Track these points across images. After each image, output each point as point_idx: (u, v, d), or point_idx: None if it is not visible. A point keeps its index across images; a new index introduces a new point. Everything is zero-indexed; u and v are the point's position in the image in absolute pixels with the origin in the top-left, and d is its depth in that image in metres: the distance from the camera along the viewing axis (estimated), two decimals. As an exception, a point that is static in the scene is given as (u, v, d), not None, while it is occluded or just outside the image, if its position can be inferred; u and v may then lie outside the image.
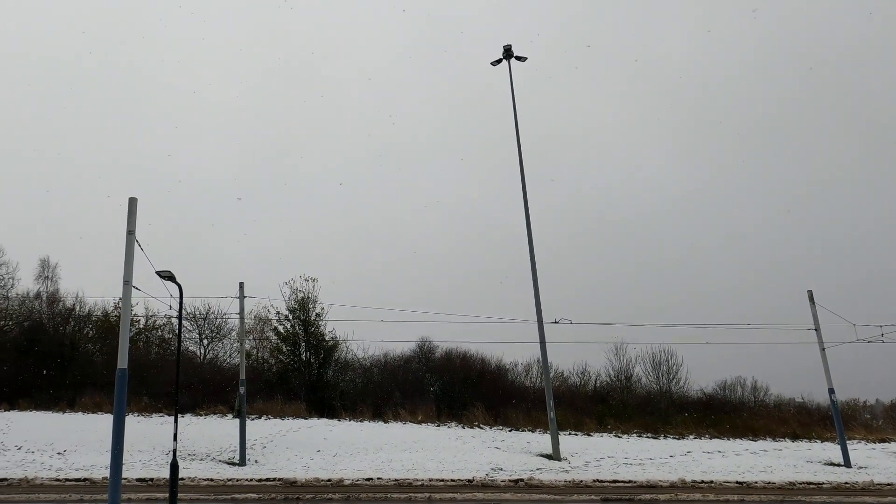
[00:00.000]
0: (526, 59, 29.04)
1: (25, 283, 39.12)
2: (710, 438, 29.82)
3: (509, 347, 42.38)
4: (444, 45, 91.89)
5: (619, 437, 29.40)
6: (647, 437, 29.81)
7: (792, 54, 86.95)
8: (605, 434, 30.10)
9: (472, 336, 43.00)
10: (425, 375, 37.49)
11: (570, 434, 29.26)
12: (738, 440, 29.47)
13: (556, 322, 26.53)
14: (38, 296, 37.96)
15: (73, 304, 36.83)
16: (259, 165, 79.57)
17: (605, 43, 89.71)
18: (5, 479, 18.51)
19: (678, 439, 29.31)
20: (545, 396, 25.17)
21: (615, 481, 20.15)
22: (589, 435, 29.78)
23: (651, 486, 19.53)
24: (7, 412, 27.82)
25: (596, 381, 40.50)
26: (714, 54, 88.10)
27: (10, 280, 37.70)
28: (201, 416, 29.74)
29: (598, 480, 20.22)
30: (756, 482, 20.63)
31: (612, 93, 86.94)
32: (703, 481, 20.41)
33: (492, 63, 29.22)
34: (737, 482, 20.56)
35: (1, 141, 71.25)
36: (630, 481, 20.16)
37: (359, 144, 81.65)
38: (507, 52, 28.85)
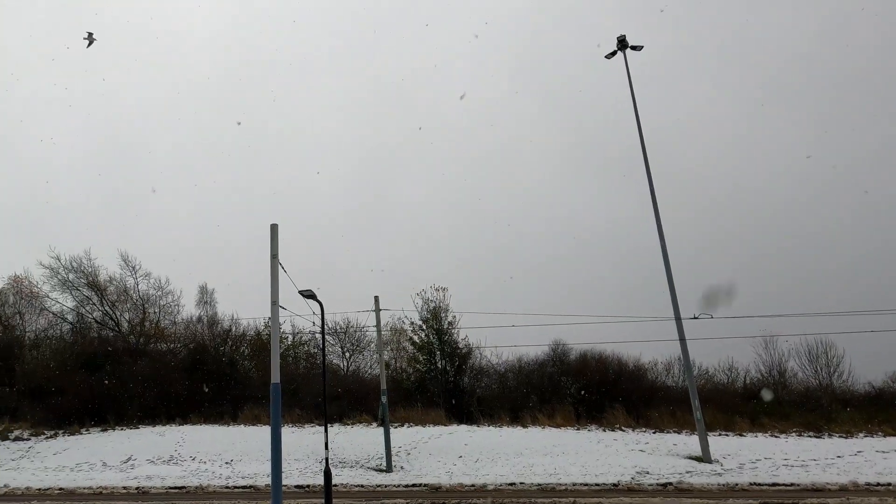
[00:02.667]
0: (642, 47, 28.08)
1: (188, 308, 43.29)
2: (884, 436, 26.98)
3: (647, 346, 40.86)
4: (534, 47, 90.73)
5: (776, 436, 27.39)
6: (809, 436, 27.54)
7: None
8: (759, 434, 28.16)
9: (607, 336, 41.82)
10: (561, 378, 37.00)
11: (719, 435, 27.71)
12: (918, 437, 26.48)
13: (695, 318, 25.36)
14: (199, 320, 41.73)
15: (230, 326, 40.12)
16: (372, 187, 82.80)
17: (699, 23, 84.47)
18: (184, 487, 20.52)
19: (845, 438, 26.83)
20: (689, 396, 24.05)
21: (775, 484, 18.83)
22: (741, 435, 28.02)
23: (817, 490, 18.05)
24: (181, 426, 30.86)
25: (745, 378, 38.01)
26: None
27: (176, 307, 41.84)
28: (348, 425, 31.27)
29: (755, 484, 18.99)
30: (944, 484, 18.45)
31: (724, 75, 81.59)
32: (879, 484, 18.55)
33: (606, 56, 28.48)
34: (920, 484, 18.51)
35: (153, 176, 79.20)
36: (792, 484, 18.76)
37: (476, 151, 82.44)
38: (622, 43, 28.01)
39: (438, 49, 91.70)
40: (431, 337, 38.44)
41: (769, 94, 78.30)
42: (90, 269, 40.13)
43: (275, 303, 14.22)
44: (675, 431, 28.71)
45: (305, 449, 25.16)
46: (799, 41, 79.25)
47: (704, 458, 22.41)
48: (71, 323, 40.65)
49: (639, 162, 27.18)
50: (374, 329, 26.60)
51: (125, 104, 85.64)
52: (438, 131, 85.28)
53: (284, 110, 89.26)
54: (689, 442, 25.38)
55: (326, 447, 17.04)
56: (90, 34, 31.39)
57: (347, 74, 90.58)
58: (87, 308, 40.46)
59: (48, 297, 40.20)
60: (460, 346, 38.02)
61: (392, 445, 23.50)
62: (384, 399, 24.41)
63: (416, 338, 39.08)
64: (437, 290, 38.54)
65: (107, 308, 40.51)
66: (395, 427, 29.02)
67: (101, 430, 30.54)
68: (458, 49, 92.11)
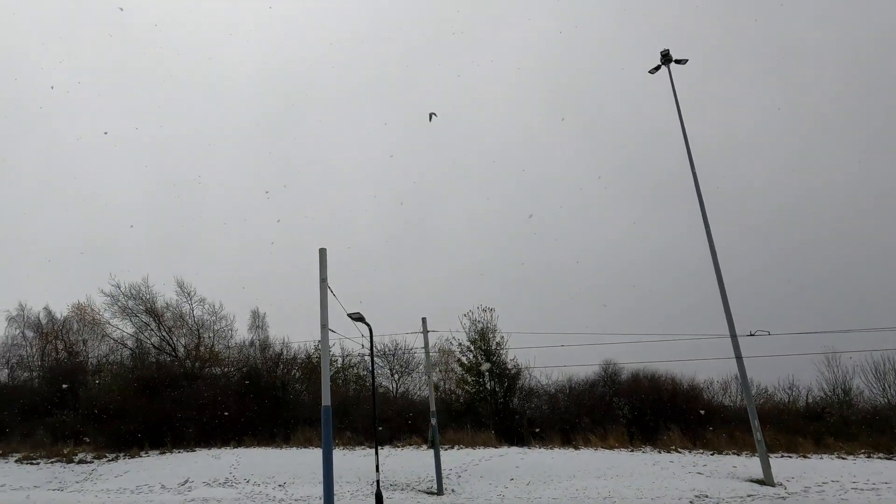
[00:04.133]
0: (687, 61, 27.77)
1: (241, 332, 44.27)
2: (962, 458, 25.53)
3: (702, 365, 39.78)
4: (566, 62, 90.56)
5: (843, 458, 26.16)
6: (879, 457, 26.22)
7: None
8: (824, 455, 26.96)
9: (659, 356, 40.91)
10: (613, 399, 36.25)
11: (781, 456, 26.63)
12: None
13: (751, 334, 24.57)
14: (252, 344, 42.64)
15: (281, 350, 40.81)
16: (416, 210, 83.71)
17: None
18: (239, 509, 20.85)
19: (919, 459, 25.45)
20: (748, 416, 23.24)
21: (843, 509, 17.98)
22: (805, 457, 26.87)
23: (889, 515, 17.15)
24: (235, 448, 31.37)
25: (808, 397, 36.55)
26: None
27: (230, 331, 42.89)
28: (398, 447, 31.24)
29: (821, 508, 18.17)
30: None
31: (779, 88, 79.69)
32: (957, 508, 17.52)
33: (650, 71, 28.24)
34: None
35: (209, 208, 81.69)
36: (862, 509, 17.87)
37: (520, 174, 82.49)
38: (666, 57, 27.75)
39: (482, 73, 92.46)
40: (480, 358, 38.24)
41: (829, 108, 76.08)
42: (148, 296, 41.59)
43: (324, 326, 14.45)
44: (734, 453, 27.75)
45: (357, 471, 25.24)
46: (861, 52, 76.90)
47: (767, 480, 21.57)
48: (131, 348, 42.07)
49: (690, 180, 26.69)
50: (423, 351, 26.67)
51: (181, 142, 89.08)
52: (480, 155, 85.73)
53: (325, 140, 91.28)
54: (749, 464, 24.48)
55: (377, 469, 17.13)
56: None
57: (384, 106, 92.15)
58: (146, 334, 41.83)
59: (109, 323, 41.83)
60: (509, 366, 37.72)
61: (442, 468, 23.38)
62: (434, 421, 24.37)
63: (464, 359, 38.95)
64: (484, 310, 38.48)
65: (164, 333, 41.79)
66: (445, 449, 28.88)
67: (160, 453, 31.31)
68: (499, 75, 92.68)
